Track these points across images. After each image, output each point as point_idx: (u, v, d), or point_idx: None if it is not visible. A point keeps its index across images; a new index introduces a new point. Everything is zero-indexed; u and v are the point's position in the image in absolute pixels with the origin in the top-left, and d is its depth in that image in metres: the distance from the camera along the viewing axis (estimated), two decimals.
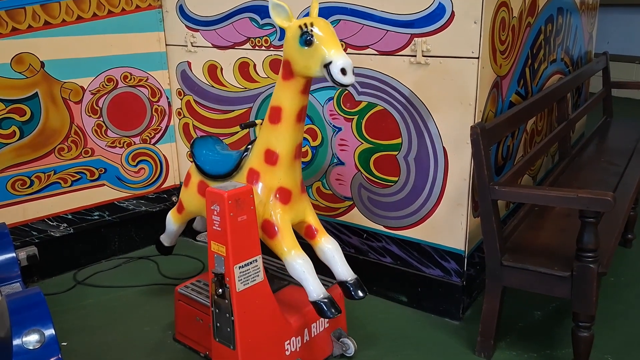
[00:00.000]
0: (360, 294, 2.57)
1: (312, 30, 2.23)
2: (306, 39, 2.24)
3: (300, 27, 2.26)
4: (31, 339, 1.77)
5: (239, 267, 2.32)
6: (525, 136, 3.61)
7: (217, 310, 2.41)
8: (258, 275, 2.40)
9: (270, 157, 2.50)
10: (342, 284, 2.60)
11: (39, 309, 1.84)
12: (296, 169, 2.56)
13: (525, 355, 2.82)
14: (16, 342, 1.75)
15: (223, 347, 2.42)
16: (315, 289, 2.46)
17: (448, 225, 3.01)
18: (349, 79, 2.19)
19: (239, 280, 2.32)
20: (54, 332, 1.80)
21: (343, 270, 2.60)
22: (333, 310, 2.44)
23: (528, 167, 3.30)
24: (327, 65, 2.20)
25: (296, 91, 2.39)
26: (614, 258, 3.59)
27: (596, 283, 2.42)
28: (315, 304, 2.46)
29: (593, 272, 2.41)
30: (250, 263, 2.36)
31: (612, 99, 5.12)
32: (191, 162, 2.96)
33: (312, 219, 2.67)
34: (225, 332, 2.39)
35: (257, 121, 2.74)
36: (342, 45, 2.27)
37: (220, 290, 2.35)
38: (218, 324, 2.42)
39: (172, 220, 3.18)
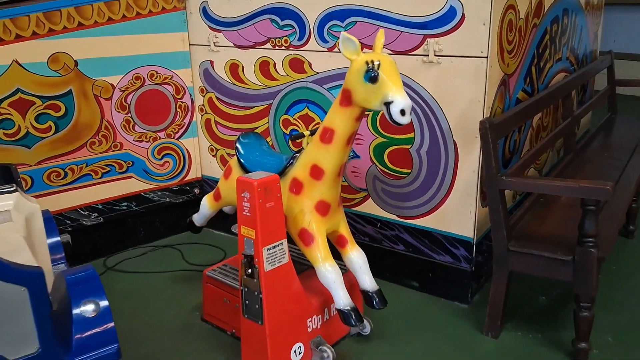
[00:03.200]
0: (380, 305, 2.77)
1: (377, 68, 2.34)
2: (371, 76, 2.34)
3: (367, 62, 2.36)
4: (88, 309, 1.97)
5: (267, 249, 2.52)
6: (532, 131, 3.80)
7: (246, 289, 2.62)
8: (284, 257, 2.61)
9: (316, 173, 2.65)
10: (365, 293, 2.80)
11: (93, 282, 2.05)
12: (337, 184, 2.72)
13: (530, 335, 3.02)
14: (75, 311, 1.96)
15: (251, 323, 2.62)
16: (342, 298, 2.66)
17: (458, 215, 3.21)
18: (406, 120, 2.31)
19: (267, 261, 2.53)
20: (107, 303, 2.01)
21: (367, 281, 2.80)
22: (357, 320, 2.65)
23: (534, 160, 3.50)
24: (387, 104, 2.32)
25: (351, 118, 2.52)
26: (617, 248, 3.84)
27: (596, 266, 2.61)
28: (341, 312, 2.66)
29: (593, 257, 2.60)
30: (277, 246, 2.57)
31: (616, 96, 5.29)
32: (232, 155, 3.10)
33: (345, 230, 2.86)
34: (253, 309, 2.60)
35: (305, 133, 2.91)
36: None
37: (249, 270, 2.55)
38: (247, 302, 2.63)
39: (207, 206, 3.38)
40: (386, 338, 3.03)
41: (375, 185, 3.48)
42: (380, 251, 3.54)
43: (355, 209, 3.61)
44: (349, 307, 2.65)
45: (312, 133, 2.75)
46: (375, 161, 3.43)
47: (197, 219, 3.55)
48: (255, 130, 3.94)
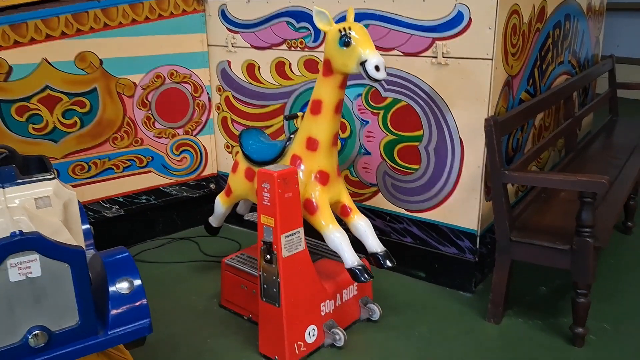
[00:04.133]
0: (389, 263, 2.96)
1: (349, 34, 2.60)
2: (345, 41, 2.61)
3: (339, 30, 2.63)
4: (123, 286, 2.15)
5: (285, 237, 2.71)
6: (534, 131, 3.97)
7: (264, 274, 2.80)
8: (300, 245, 2.79)
9: (312, 144, 2.88)
10: (373, 255, 2.98)
11: (127, 262, 2.22)
12: (333, 154, 2.94)
13: (531, 322, 3.19)
14: (111, 288, 2.14)
15: (269, 306, 2.80)
16: (350, 257, 2.85)
17: (463, 208, 3.38)
18: (381, 75, 2.57)
19: (284, 248, 2.71)
20: (140, 281, 2.19)
21: (374, 243, 2.99)
22: (366, 276, 2.84)
23: (536, 157, 3.67)
24: (362, 63, 2.58)
25: (335, 86, 2.77)
26: (616, 244, 4.01)
27: (593, 255, 2.78)
28: (351, 270, 2.85)
29: (590, 246, 2.77)
30: (294, 233, 2.75)
31: (617, 99, 5.46)
32: (235, 151, 3.32)
33: (347, 199, 3.05)
34: (271, 292, 2.78)
35: (298, 113, 3.11)
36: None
37: (268, 256, 2.74)
38: (265, 286, 2.81)
39: (221, 203, 3.57)
40: (394, 323, 3.21)
41: (385, 181, 3.66)
42: (389, 243, 3.64)
43: (366, 203, 3.78)
44: (357, 265, 2.84)
45: None
46: (385, 158, 3.61)
47: (213, 219, 3.75)
48: (270, 128, 4.13)
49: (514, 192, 3.79)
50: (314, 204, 2.88)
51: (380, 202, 3.72)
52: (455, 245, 3.47)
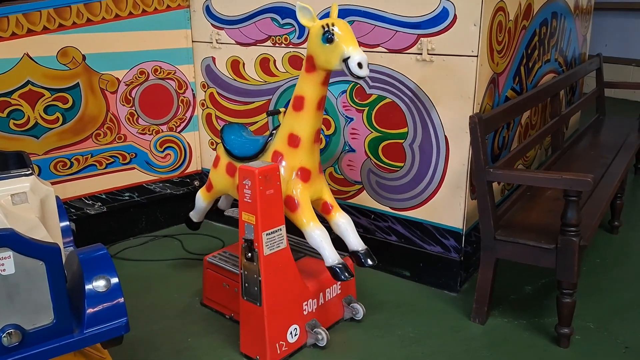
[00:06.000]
0: (370, 262, 2.93)
1: (333, 30, 2.57)
2: (328, 37, 2.58)
3: (323, 26, 2.60)
4: (99, 284, 2.10)
5: (267, 234, 2.67)
6: (520, 129, 3.96)
7: (245, 272, 2.76)
8: (282, 242, 2.75)
9: (293, 141, 2.85)
10: (354, 254, 2.95)
11: (104, 260, 2.18)
12: (315, 151, 2.91)
13: (516, 322, 3.17)
14: (87, 286, 2.09)
15: (250, 305, 2.77)
16: (331, 255, 2.82)
17: (448, 206, 3.36)
18: (364, 72, 2.54)
19: (266, 246, 2.67)
20: (118, 279, 2.14)
21: (355, 242, 2.96)
22: (346, 274, 2.81)
23: (521, 155, 3.65)
24: (345, 60, 2.55)
25: (317, 82, 2.74)
26: (602, 243, 4.00)
27: (577, 254, 2.76)
28: (331, 268, 2.82)
29: (575, 245, 2.75)
30: (276, 231, 2.71)
31: (604, 98, 5.46)
32: (214, 147, 3.28)
33: (328, 197, 3.03)
34: (252, 291, 2.74)
35: (280, 109, 3.08)
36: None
37: (249, 254, 2.70)
38: (246, 284, 2.77)
39: (202, 198, 3.53)
40: (378, 323, 3.17)
41: (370, 178, 3.63)
42: (373, 242, 3.66)
43: (350, 201, 3.75)
44: (337, 263, 2.81)
45: None
46: (370, 155, 3.58)
47: (194, 214, 3.70)
48: (255, 125, 4.09)
49: (499, 191, 3.77)
50: (295, 201, 2.85)
51: (365, 200, 3.69)
52: (440, 243, 3.45)
